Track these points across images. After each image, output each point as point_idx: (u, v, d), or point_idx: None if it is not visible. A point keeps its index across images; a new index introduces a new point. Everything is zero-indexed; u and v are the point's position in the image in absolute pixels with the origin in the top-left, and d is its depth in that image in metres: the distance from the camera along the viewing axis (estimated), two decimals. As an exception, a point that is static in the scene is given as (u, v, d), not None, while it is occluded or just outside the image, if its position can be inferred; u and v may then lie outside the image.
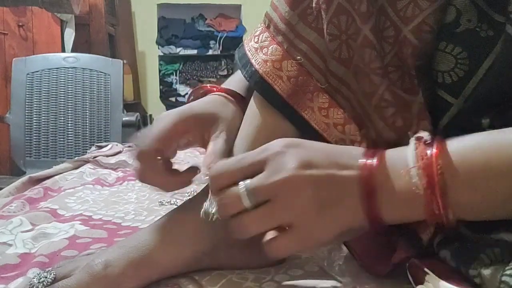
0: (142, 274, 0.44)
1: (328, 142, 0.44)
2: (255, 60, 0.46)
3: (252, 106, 0.48)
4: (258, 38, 0.47)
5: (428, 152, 0.35)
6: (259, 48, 0.47)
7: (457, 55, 0.40)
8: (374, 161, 0.37)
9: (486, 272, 0.34)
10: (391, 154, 0.37)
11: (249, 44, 0.48)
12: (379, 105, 0.42)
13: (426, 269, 0.38)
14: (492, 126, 0.38)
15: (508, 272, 0.33)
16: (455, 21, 0.40)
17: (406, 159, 0.36)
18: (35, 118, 2.05)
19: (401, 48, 0.42)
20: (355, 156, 0.38)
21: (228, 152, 0.47)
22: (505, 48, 0.37)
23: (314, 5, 0.44)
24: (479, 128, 0.38)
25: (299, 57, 0.45)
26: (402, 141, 0.41)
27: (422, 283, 0.38)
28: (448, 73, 0.41)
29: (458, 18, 0.40)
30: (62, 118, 2.07)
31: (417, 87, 0.43)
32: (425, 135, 0.37)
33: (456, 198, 0.34)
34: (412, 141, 0.37)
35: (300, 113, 0.45)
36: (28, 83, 2.06)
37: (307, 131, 0.45)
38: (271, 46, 0.46)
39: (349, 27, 0.42)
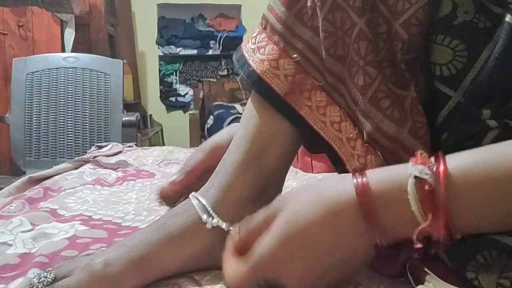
0: (142, 273, 0.44)
1: (325, 141, 0.45)
2: (252, 60, 0.47)
3: (250, 106, 0.48)
4: (255, 39, 0.48)
5: (432, 182, 0.33)
6: (256, 48, 0.47)
7: (455, 47, 0.40)
8: (366, 181, 0.35)
9: (484, 276, 0.35)
10: (380, 178, 0.35)
11: (247, 46, 0.49)
12: (376, 96, 0.42)
13: (426, 269, 0.39)
14: (492, 118, 0.38)
15: (505, 274, 0.33)
16: (451, 13, 0.40)
17: (405, 192, 0.33)
18: (35, 118, 2.05)
19: (392, 42, 0.42)
20: (343, 187, 0.36)
21: None
22: (505, 38, 0.37)
23: (309, 4, 0.44)
24: (479, 120, 0.38)
25: (295, 55, 0.45)
26: (401, 132, 0.41)
27: (422, 283, 0.38)
28: (446, 65, 0.41)
29: (455, 10, 0.40)
30: (62, 118, 2.07)
31: (409, 81, 0.43)
32: (423, 171, 0.33)
33: (462, 223, 0.33)
34: (412, 175, 0.34)
35: (298, 111, 0.45)
36: (28, 83, 2.06)
37: (304, 130, 0.45)
38: (268, 46, 0.46)
39: (344, 23, 0.43)
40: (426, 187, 0.33)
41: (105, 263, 0.43)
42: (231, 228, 0.44)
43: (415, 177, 0.33)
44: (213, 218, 0.45)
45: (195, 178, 0.55)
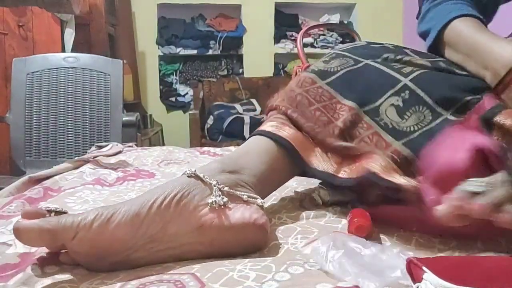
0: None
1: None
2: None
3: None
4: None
5: None
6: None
7: None
8: None
9: None
10: None
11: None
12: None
13: (424, 267, 0.39)
14: None
15: None
16: None
17: None
18: (35, 118, 2.05)
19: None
20: None
21: None
22: None
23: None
24: None
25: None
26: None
27: (420, 281, 0.38)
28: None
29: None
30: (62, 118, 2.07)
31: None
32: None
33: None
34: None
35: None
36: (28, 83, 2.06)
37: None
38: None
39: None
40: None
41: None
42: (206, 176, 0.56)
43: None
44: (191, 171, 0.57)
45: None
